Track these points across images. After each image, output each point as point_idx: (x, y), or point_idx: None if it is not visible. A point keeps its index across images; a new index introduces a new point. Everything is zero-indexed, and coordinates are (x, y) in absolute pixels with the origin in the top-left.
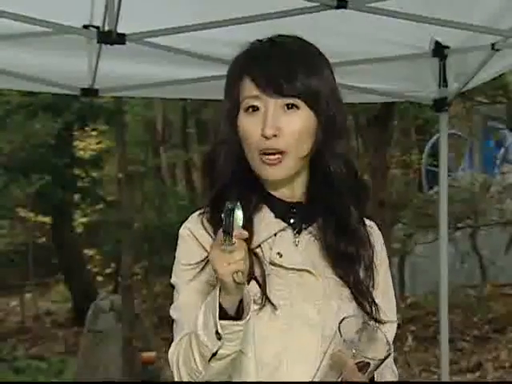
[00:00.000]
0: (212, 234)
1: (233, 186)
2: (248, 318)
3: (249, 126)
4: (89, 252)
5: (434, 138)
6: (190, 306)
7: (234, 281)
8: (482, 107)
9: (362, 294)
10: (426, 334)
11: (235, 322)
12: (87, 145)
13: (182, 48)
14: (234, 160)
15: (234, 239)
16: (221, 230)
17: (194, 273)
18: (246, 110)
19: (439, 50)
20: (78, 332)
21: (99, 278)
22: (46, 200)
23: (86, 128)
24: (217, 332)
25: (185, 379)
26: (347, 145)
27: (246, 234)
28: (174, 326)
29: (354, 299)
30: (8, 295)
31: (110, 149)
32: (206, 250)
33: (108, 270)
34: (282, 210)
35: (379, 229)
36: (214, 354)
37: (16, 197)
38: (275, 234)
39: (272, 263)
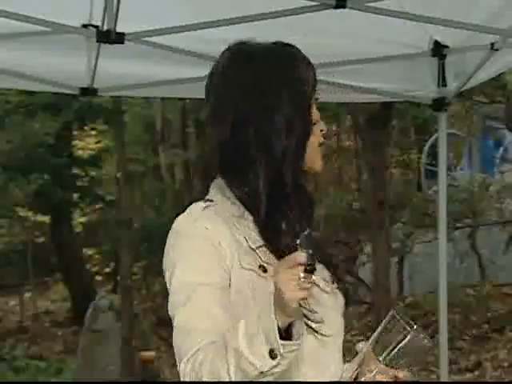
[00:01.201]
0: (225, 228)
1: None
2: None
3: (319, 117)
4: (88, 251)
5: (433, 137)
6: (205, 313)
7: (300, 306)
8: (481, 107)
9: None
10: (425, 333)
11: (296, 342)
12: (86, 144)
13: (181, 47)
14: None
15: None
16: (295, 256)
17: (209, 277)
18: (316, 100)
19: (438, 50)
20: (77, 331)
21: (98, 278)
22: (45, 199)
23: (85, 127)
24: (272, 351)
25: None
26: None
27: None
28: (181, 332)
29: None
30: (7, 295)
31: (109, 148)
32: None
33: (107, 270)
34: None
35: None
36: (262, 372)
37: (15, 196)
38: None
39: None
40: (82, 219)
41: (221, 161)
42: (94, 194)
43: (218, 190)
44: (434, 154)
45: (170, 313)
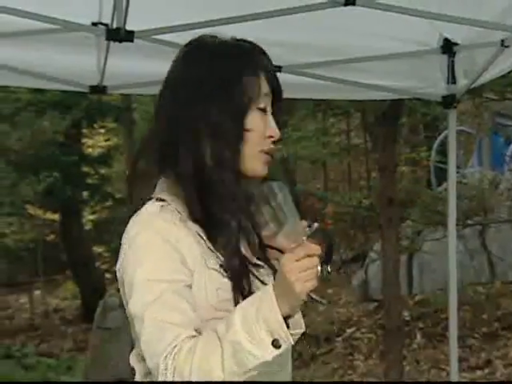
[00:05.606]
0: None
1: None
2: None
3: (261, 125)
4: (97, 249)
5: (443, 134)
6: (176, 308)
7: (310, 297)
8: (490, 104)
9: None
10: (435, 331)
11: (301, 331)
12: (96, 142)
13: None
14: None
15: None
16: (305, 247)
17: (174, 275)
18: (259, 109)
19: (448, 47)
20: (86, 329)
21: (108, 275)
22: (55, 197)
23: (95, 125)
24: (274, 341)
25: None
26: None
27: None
28: (155, 328)
29: None
30: (17, 292)
31: (119, 146)
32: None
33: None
34: None
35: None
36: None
37: (25, 194)
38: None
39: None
40: (92, 217)
41: (160, 160)
42: (104, 192)
43: (166, 189)
44: (443, 152)
45: (133, 311)
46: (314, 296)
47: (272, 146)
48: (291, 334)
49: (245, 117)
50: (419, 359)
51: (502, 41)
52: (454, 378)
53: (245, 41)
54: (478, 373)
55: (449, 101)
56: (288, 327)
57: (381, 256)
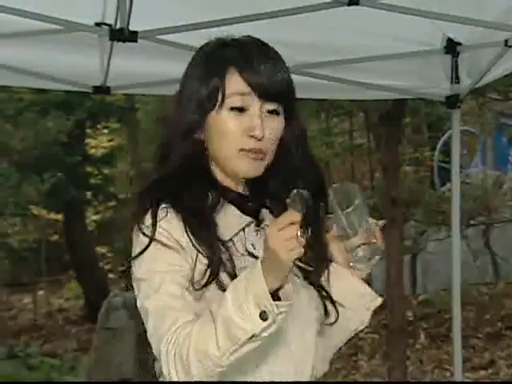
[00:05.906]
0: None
1: (198, 178)
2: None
3: (234, 125)
4: (101, 249)
5: (447, 134)
6: (177, 295)
7: (296, 266)
8: (494, 104)
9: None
10: (439, 331)
11: (287, 302)
12: (99, 142)
13: (194, 45)
14: (197, 152)
15: (308, 230)
16: (287, 216)
17: (173, 267)
18: (232, 109)
19: (451, 47)
20: (90, 329)
21: (111, 276)
22: (59, 197)
23: (98, 126)
24: (262, 313)
25: (193, 370)
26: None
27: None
28: (157, 314)
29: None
30: (20, 292)
31: (122, 146)
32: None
33: (120, 268)
34: (243, 205)
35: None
36: (253, 335)
37: (28, 194)
38: (243, 229)
39: (249, 254)
40: (96, 217)
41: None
42: (107, 192)
43: None
44: (447, 152)
45: (138, 305)
46: (300, 264)
47: (256, 145)
48: (278, 306)
49: (195, 121)
50: (423, 359)
51: (506, 41)
52: (458, 378)
53: (249, 37)
54: (482, 373)
55: (452, 101)
56: (279, 299)
57: (384, 256)
